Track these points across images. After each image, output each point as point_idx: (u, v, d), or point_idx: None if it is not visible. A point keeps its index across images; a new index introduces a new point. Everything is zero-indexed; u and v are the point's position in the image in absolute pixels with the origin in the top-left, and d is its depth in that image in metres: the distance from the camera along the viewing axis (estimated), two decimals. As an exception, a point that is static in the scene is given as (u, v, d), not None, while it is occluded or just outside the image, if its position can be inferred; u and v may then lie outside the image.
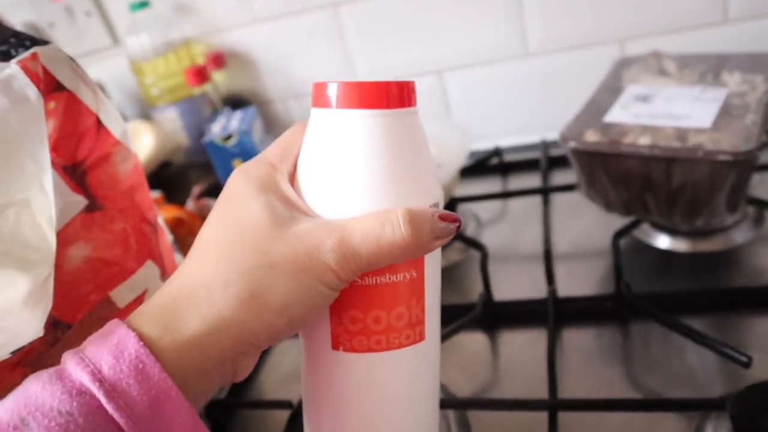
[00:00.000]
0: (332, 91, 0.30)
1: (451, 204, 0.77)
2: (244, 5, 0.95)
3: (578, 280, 0.62)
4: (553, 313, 0.56)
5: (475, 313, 0.58)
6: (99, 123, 0.42)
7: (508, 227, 0.75)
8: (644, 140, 0.54)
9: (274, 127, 1.06)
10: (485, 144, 0.92)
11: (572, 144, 0.58)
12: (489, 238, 0.73)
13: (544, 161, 0.81)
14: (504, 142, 0.91)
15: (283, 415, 0.54)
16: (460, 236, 0.67)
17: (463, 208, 0.80)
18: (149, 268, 0.45)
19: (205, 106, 0.99)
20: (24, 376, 0.38)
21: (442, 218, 0.30)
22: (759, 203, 0.61)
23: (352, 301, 0.31)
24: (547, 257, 0.62)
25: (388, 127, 0.30)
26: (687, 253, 0.62)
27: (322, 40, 0.95)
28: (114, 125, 0.44)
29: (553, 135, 0.86)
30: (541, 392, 0.50)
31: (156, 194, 0.82)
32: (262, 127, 0.94)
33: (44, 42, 0.40)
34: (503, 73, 0.90)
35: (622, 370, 0.52)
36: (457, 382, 0.55)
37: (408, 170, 0.31)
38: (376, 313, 0.31)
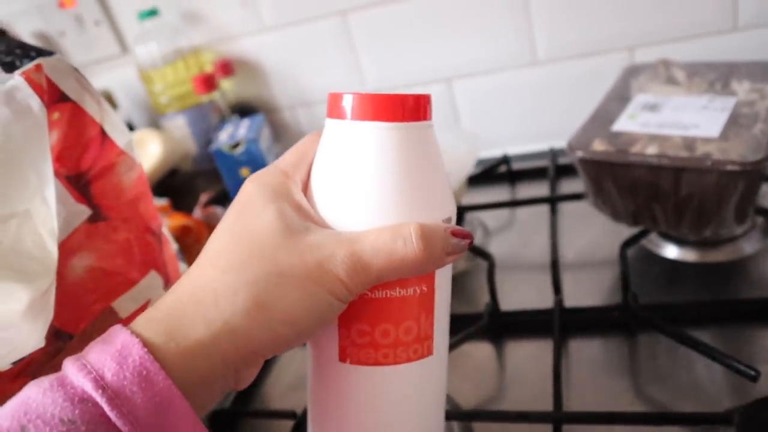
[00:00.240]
0: (347, 103, 0.30)
1: (459, 212, 0.76)
2: (252, 13, 0.95)
3: (585, 290, 0.62)
4: (559, 324, 0.56)
5: (481, 324, 0.57)
6: (103, 133, 0.43)
7: (516, 236, 0.75)
8: (652, 150, 0.54)
9: (281, 135, 1.06)
10: (493, 152, 0.91)
11: (579, 153, 0.57)
12: (496, 247, 0.73)
13: (552, 169, 0.81)
14: (512, 149, 0.91)
15: (287, 424, 0.53)
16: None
17: (471, 216, 0.79)
18: (152, 279, 0.45)
19: (213, 113, 1.00)
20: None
21: (454, 234, 0.30)
22: (768, 213, 0.60)
23: (361, 313, 0.30)
24: (554, 267, 0.61)
25: (403, 140, 0.30)
26: (695, 263, 0.61)
27: (331, 48, 0.95)
28: (118, 135, 0.44)
29: (561, 143, 0.85)
30: (547, 404, 0.49)
31: (163, 202, 0.83)
32: (269, 135, 0.95)
33: (49, 53, 0.40)
34: (512, 81, 0.90)
35: (628, 382, 0.51)
36: (462, 392, 0.55)
37: (422, 185, 0.30)
38: (384, 326, 0.31)
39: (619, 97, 0.64)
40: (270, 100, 1.04)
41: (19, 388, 0.38)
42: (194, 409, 0.26)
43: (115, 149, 0.43)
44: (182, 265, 0.52)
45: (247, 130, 0.89)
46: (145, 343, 0.26)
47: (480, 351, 0.59)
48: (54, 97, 0.38)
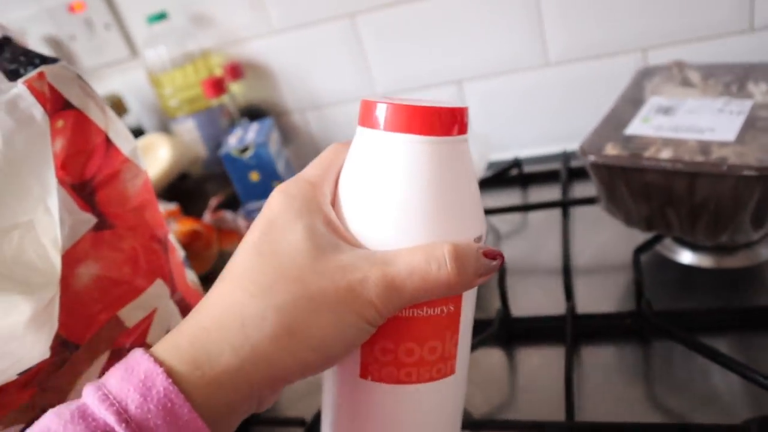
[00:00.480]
0: (381, 112, 0.29)
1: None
2: (261, 16, 0.95)
3: (597, 296, 0.61)
4: (571, 331, 0.55)
5: (492, 330, 0.57)
6: (108, 141, 0.42)
7: (527, 241, 0.74)
8: (666, 154, 0.53)
9: (291, 138, 1.06)
10: (505, 155, 0.90)
11: (592, 158, 0.56)
12: (507, 252, 0.72)
13: (564, 173, 0.80)
14: (524, 152, 0.90)
15: (297, 433, 0.53)
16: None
17: (481, 220, 0.79)
18: (159, 287, 0.45)
19: (223, 117, 1.00)
20: (32, 397, 0.38)
21: (485, 255, 0.29)
22: (787, 218, 0.59)
23: (385, 331, 0.30)
24: (566, 272, 0.60)
25: (437, 155, 0.29)
26: (710, 269, 0.60)
27: (340, 51, 0.95)
28: (123, 143, 0.43)
29: (573, 145, 0.84)
30: (559, 412, 0.48)
31: (173, 207, 0.82)
32: (278, 138, 0.94)
33: (53, 60, 0.40)
34: (523, 83, 0.89)
35: (642, 391, 0.50)
36: (472, 399, 0.54)
37: (455, 202, 0.29)
38: (408, 345, 0.30)
39: (632, 100, 0.63)
40: (279, 103, 1.03)
41: (27, 398, 0.38)
42: None
43: (120, 156, 0.43)
44: (189, 273, 0.52)
45: (256, 134, 0.88)
46: (169, 373, 0.25)
47: (491, 358, 0.58)
48: (57, 104, 0.38)
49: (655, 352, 0.54)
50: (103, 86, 1.08)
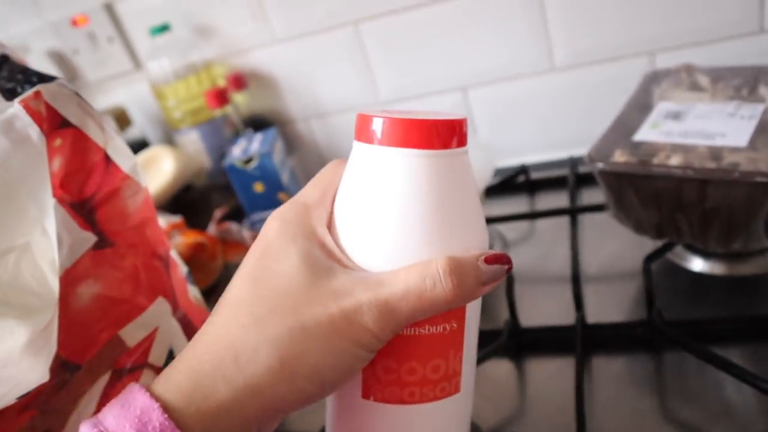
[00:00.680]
0: (377, 126, 0.28)
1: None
2: (263, 26, 0.94)
3: (607, 306, 0.60)
4: (581, 342, 0.54)
5: (501, 341, 0.56)
6: (107, 158, 0.42)
7: (535, 249, 0.73)
8: (676, 160, 0.52)
9: (295, 147, 1.05)
10: (511, 161, 0.90)
11: (600, 165, 0.55)
12: (515, 261, 0.70)
13: (572, 179, 0.79)
14: (530, 159, 0.89)
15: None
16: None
17: (489, 228, 0.78)
18: (160, 305, 0.44)
19: (227, 128, 0.99)
20: (32, 420, 0.38)
21: (488, 261, 0.28)
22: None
23: (387, 350, 0.29)
24: (576, 281, 0.59)
25: (436, 169, 0.28)
26: (722, 276, 0.58)
27: (344, 59, 0.94)
28: (123, 159, 0.43)
29: (580, 151, 0.83)
30: (569, 425, 0.47)
31: (177, 219, 0.82)
32: (283, 148, 0.94)
33: (51, 78, 0.39)
34: (528, 89, 0.88)
35: (654, 403, 0.49)
36: (481, 412, 0.53)
37: (455, 217, 0.28)
38: (411, 364, 0.29)
39: (640, 106, 0.62)
40: (283, 112, 1.03)
41: (26, 421, 0.37)
42: None
43: (120, 174, 0.42)
44: (192, 289, 0.51)
45: (260, 145, 0.88)
46: (165, 407, 0.25)
47: (499, 369, 0.57)
48: (55, 123, 0.38)
49: (667, 362, 0.52)
50: (107, 99, 1.08)
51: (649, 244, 0.61)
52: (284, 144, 0.97)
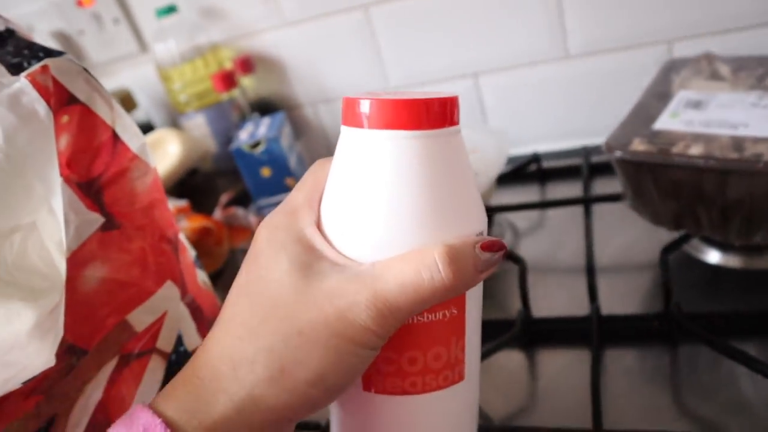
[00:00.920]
0: (364, 108, 0.26)
1: (487, 213, 0.73)
2: (272, 8, 0.93)
3: (621, 297, 0.58)
4: (597, 333, 0.53)
5: (514, 332, 0.55)
6: (115, 137, 0.40)
7: (547, 238, 0.72)
8: (696, 150, 0.50)
9: (302, 132, 1.04)
10: (523, 150, 0.88)
11: (618, 153, 0.54)
12: (527, 250, 0.70)
13: (586, 168, 0.77)
14: (543, 147, 0.88)
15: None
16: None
17: (500, 217, 0.77)
18: (168, 289, 0.43)
19: (233, 111, 0.98)
20: (38, 405, 0.37)
21: (484, 248, 0.27)
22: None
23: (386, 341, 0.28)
24: (590, 272, 0.58)
25: (426, 150, 0.26)
26: (740, 269, 0.57)
27: (353, 43, 0.93)
28: (131, 139, 0.42)
29: (594, 141, 0.82)
30: (582, 418, 0.46)
31: (182, 203, 0.81)
32: (290, 133, 0.92)
33: (58, 53, 0.38)
34: (542, 76, 0.86)
35: (669, 397, 0.48)
36: (493, 404, 0.52)
37: (449, 200, 0.27)
38: (411, 353, 0.28)
39: (659, 94, 0.61)
40: (291, 97, 1.01)
41: (32, 407, 0.36)
42: None
43: (128, 153, 0.41)
44: (200, 273, 0.50)
45: (268, 129, 0.86)
46: (168, 424, 0.25)
47: (511, 360, 0.57)
48: (62, 99, 0.36)
49: (682, 355, 0.51)
50: (112, 81, 1.07)
51: (663, 236, 0.60)
52: (291, 129, 0.96)
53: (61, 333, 0.33)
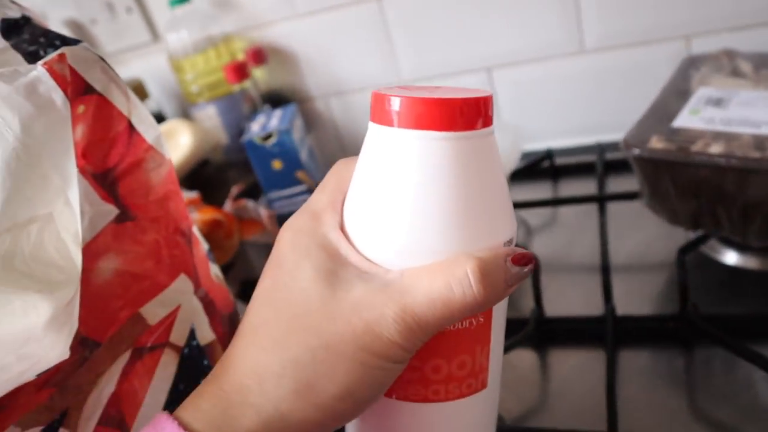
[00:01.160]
0: (395, 106, 0.25)
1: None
2: (285, -1, 0.92)
3: (636, 298, 0.58)
4: (612, 334, 0.52)
5: (527, 331, 0.54)
6: (131, 127, 0.40)
7: (561, 236, 0.71)
8: (717, 148, 0.50)
9: (314, 125, 1.03)
10: (536, 146, 0.87)
11: (636, 151, 0.53)
12: (539, 248, 0.69)
13: (600, 166, 0.77)
14: (556, 143, 0.87)
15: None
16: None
17: (511, 214, 0.76)
18: (182, 283, 0.43)
19: (245, 103, 0.97)
20: (51, 397, 0.36)
21: (515, 261, 0.26)
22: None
23: None
24: (605, 272, 0.58)
25: (460, 152, 0.25)
26: (757, 270, 0.57)
27: (366, 35, 0.92)
28: (147, 129, 0.41)
29: (609, 137, 0.81)
30: (595, 419, 0.46)
31: (193, 195, 0.80)
32: (302, 125, 0.92)
33: (74, 41, 0.38)
34: (557, 71, 0.85)
35: (684, 400, 0.48)
36: (505, 403, 0.52)
37: (481, 205, 0.26)
38: (436, 362, 0.27)
39: (678, 91, 0.60)
40: (303, 89, 1.01)
41: (45, 399, 0.36)
42: None
43: (144, 144, 0.41)
44: (213, 267, 0.49)
45: (280, 121, 0.86)
46: None
47: (524, 360, 0.56)
48: (79, 89, 0.36)
49: (698, 358, 0.51)
50: (124, 71, 1.06)
51: (679, 236, 0.59)
52: (303, 121, 0.95)
53: (75, 325, 0.33)
